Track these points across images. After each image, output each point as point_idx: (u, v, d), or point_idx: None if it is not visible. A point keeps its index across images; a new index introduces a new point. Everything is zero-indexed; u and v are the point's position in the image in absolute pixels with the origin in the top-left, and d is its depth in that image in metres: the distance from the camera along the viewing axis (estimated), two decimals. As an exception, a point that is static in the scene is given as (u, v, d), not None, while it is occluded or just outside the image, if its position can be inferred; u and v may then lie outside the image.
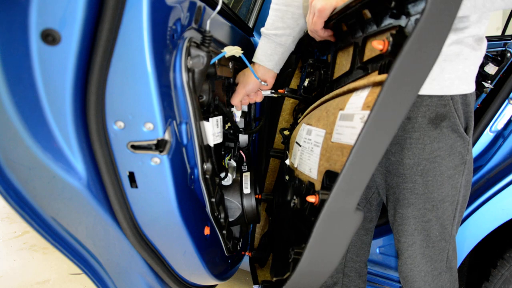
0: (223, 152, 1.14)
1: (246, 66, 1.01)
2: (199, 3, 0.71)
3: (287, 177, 1.00)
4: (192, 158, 0.75)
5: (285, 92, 1.16)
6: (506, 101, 1.24)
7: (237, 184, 1.06)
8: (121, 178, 0.64)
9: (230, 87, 1.12)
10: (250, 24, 1.42)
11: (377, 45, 0.54)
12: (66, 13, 0.49)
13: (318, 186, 0.76)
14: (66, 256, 0.75)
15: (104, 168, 0.60)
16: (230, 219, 1.03)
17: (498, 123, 1.27)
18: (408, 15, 0.57)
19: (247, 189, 1.05)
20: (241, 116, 1.22)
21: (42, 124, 0.55)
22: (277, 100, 1.30)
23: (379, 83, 0.59)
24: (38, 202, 0.66)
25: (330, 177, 0.70)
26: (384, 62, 0.62)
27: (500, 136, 1.27)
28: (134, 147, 0.61)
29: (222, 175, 1.03)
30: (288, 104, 1.28)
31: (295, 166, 0.92)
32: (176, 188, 0.66)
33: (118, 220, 0.66)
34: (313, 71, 1.05)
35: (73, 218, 0.69)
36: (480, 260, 1.48)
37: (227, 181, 1.05)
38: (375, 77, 0.61)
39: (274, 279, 1.00)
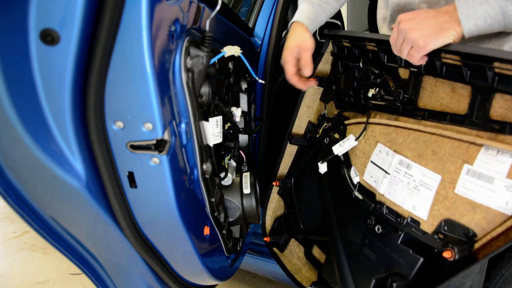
0: (223, 152, 1.14)
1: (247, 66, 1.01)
2: (198, 3, 0.71)
3: (359, 196, 0.97)
4: (192, 158, 0.75)
5: (321, 82, 1.15)
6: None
7: (237, 184, 1.06)
8: (121, 178, 0.64)
9: (230, 87, 1.12)
10: (250, 24, 1.42)
11: None
12: (65, 13, 0.49)
13: (427, 228, 0.78)
14: (66, 256, 0.75)
15: (104, 168, 0.60)
16: (230, 219, 1.03)
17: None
18: None
19: (247, 189, 1.05)
20: (241, 116, 1.22)
21: (42, 124, 0.55)
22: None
23: None
24: (38, 202, 0.66)
25: (452, 227, 0.73)
26: None
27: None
28: (133, 147, 0.61)
29: (222, 175, 1.03)
30: (311, 89, 1.21)
31: (381, 192, 0.89)
32: (175, 188, 0.66)
33: (118, 220, 0.66)
34: (380, 83, 0.91)
35: (73, 218, 0.69)
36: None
37: (227, 181, 1.05)
38: None
39: None
